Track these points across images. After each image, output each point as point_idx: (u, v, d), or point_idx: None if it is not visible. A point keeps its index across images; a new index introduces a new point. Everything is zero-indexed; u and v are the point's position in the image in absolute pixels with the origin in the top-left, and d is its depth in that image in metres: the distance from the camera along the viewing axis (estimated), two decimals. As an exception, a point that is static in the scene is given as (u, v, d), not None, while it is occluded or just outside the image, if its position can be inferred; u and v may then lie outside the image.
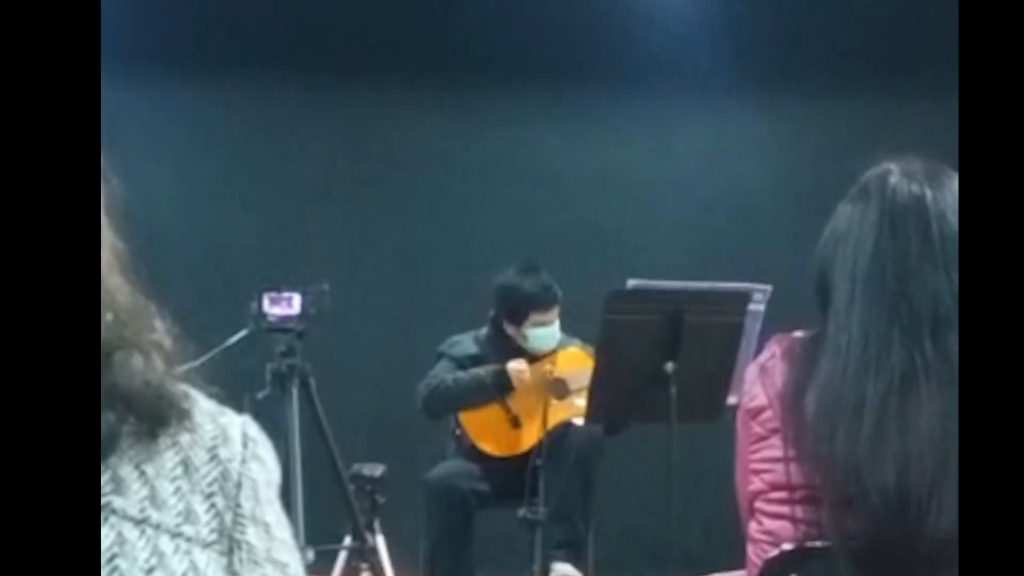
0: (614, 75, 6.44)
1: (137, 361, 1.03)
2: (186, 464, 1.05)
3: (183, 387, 1.07)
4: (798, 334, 2.02)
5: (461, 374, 4.95)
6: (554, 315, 4.95)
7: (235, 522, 1.05)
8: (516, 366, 4.90)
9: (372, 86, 6.45)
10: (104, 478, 1.01)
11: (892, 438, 1.83)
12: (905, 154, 2.02)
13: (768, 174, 6.54)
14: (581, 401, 4.38)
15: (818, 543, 1.91)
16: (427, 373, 5.00)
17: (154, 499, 1.02)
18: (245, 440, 1.09)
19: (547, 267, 5.02)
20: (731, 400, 3.88)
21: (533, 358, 4.97)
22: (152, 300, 1.07)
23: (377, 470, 5.07)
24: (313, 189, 6.49)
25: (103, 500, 1.00)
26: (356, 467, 5.05)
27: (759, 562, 1.99)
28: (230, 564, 1.04)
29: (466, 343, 5.09)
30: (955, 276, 1.87)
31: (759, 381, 2.01)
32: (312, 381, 4.61)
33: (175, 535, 1.02)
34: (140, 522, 1.01)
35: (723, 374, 3.93)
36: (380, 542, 4.94)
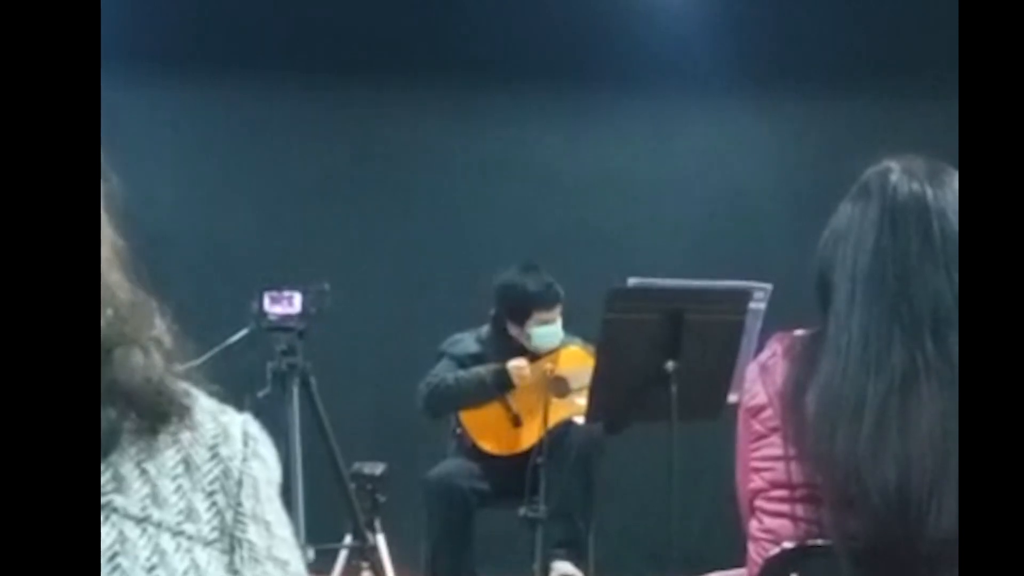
0: (614, 75, 6.44)
1: (137, 357, 1.04)
2: (187, 462, 1.05)
3: (183, 385, 1.07)
4: (799, 333, 2.02)
5: (462, 373, 4.95)
6: (557, 313, 4.96)
7: (236, 520, 1.05)
8: (517, 364, 4.90)
9: (372, 86, 6.45)
10: (105, 477, 1.01)
11: (893, 438, 1.83)
12: (905, 154, 2.02)
13: (768, 174, 6.54)
14: (582, 400, 4.38)
15: (819, 541, 1.91)
16: (428, 372, 5.00)
17: (155, 497, 1.02)
18: (246, 438, 1.09)
19: (547, 267, 5.03)
20: (732, 399, 3.88)
21: (534, 357, 4.98)
22: (152, 298, 1.08)
23: (378, 469, 5.08)
24: (313, 189, 6.49)
25: (105, 499, 1.00)
26: (357, 466, 5.05)
27: (760, 560, 1.99)
28: (231, 562, 1.04)
29: (467, 342, 5.09)
30: (956, 275, 1.87)
31: (760, 380, 2.01)
32: (313, 380, 4.62)
33: (176, 533, 1.02)
34: (141, 520, 1.01)
35: (724, 373, 3.93)
36: (381, 541, 4.94)
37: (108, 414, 1.01)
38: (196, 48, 6.35)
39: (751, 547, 2.03)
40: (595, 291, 4.12)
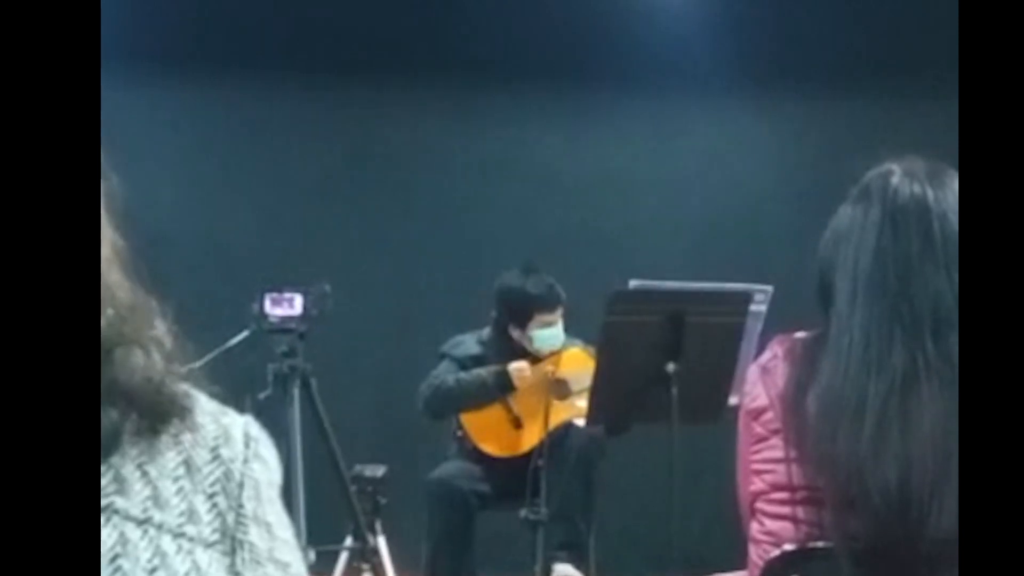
0: (614, 75, 6.44)
1: (138, 357, 1.03)
2: (188, 464, 1.05)
3: (184, 386, 1.07)
4: (799, 335, 2.02)
5: (463, 375, 4.95)
6: (558, 315, 4.95)
7: (237, 522, 1.05)
8: (518, 366, 4.90)
9: (372, 86, 6.45)
10: (107, 479, 1.01)
11: (894, 438, 1.82)
12: (905, 154, 2.01)
13: (768, 174, 6.55)
14: (582, 402, 4.38)
15: (820, 543, 1.91)
16: (428, 374, 5.00)
17: (156, 499, 1.02)
18: (247, 440, 1.09)
19: (547, 267, 5.03)
20: (732, 401, 3.88)
21: (535, 359, 4.97)
22: (152, 298, 1.07)
23: (378, 471, 5.08)
24: (313, 189, 6.49)
25: (106, 501, 1.00)
26: (358, 468, 5.05)
27: (761, 563, 1.99)
28: (232, 564, 1.04)
29: (468, 344, 5.09)
30: (956, 276, 1.87)
31: (760, 382, 2.01)
32: (314, 382, 4.62)
33: (177, 535, 1.02)
34: (142, 522, 1.01)
35: (724, 375, 3.93)
36: (381, 543, 4.94)
37: (109, 415, 1.01)
38: (196, 48, 6.35)
39: (752, 549, 2.02)
40: (595, 292, 4.12)
